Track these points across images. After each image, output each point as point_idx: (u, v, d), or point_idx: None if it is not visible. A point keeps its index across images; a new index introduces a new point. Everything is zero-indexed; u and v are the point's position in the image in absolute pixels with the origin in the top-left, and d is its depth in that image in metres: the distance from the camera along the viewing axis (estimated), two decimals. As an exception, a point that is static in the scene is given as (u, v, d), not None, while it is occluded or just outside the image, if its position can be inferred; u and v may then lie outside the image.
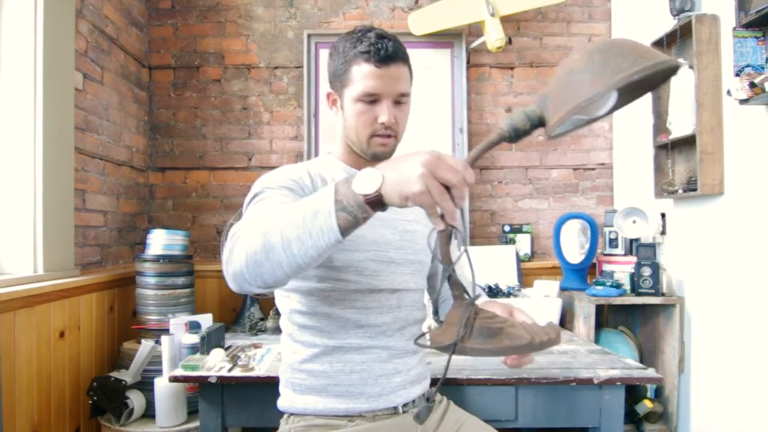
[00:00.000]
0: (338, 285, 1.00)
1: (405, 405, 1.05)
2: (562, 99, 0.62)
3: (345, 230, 0.70)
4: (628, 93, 0.69)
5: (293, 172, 1.02)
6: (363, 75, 1.00)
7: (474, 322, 0.68)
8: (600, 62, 0.59)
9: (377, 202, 0.69)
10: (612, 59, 0.59)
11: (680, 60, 0.57)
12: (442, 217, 0.66)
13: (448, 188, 0.65)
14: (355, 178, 0.70)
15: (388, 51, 0.99)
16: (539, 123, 0.69)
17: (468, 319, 0.68)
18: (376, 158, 1.03)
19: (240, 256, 0.76)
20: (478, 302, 0.78)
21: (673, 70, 0.63)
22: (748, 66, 1.56)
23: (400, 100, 1.02)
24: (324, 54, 2.42)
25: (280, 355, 1.20)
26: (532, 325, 0.74)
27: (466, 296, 0.72)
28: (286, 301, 1.07)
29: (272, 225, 0.74)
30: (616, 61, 0.58)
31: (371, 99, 1.00)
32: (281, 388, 1.09)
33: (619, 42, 0.62)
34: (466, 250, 0.71)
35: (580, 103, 0.60)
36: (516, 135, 0.70)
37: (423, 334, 0.70)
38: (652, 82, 0.67)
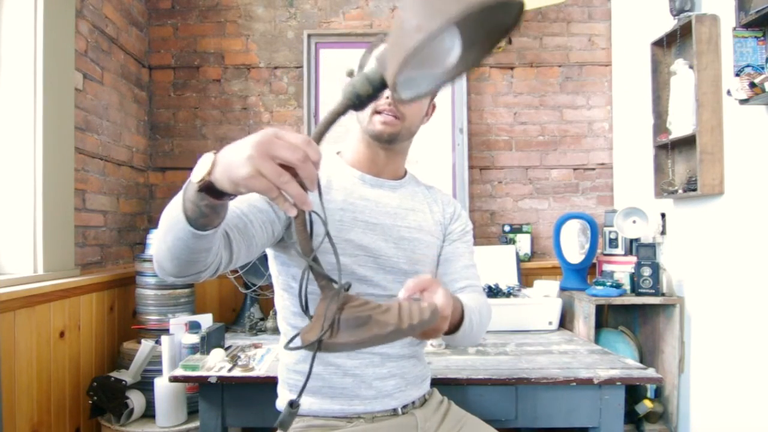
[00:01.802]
0: None
1: (405, 407, 1.05)
2: (393, 53, 0.57)
3: (194, 219, 0.67)
4: (479, 42, 0.63)
5: None
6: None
7: (341, 314, 0.63)
8: (423, 6, 0.54)
9: (212, 189, 0.63)
10: (434, 2, 0.53)
11: None
12: (295, 204, 0.59)
13: (293, 170, 0.57)
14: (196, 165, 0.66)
15: None
16: (381, 83, 0.63)
17: (335, 312, 0.62)
18: (375, 138, 1.04)
19: (152, 248, 0.81)
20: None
21: (506, 5, 0.56)
22: (748, 66, 1.56)
23: None
24: (324, 54, 2.42)
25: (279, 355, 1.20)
26: (409, 306, 0.67)
27: (334, 285, 0.66)
28: (281, 300, 1.07)
29: (161, 218, 0.74)
30: (437, 4, 0.53)
31: None
32: (279, 389, 1.09)
33: None
34: (328, 235, 0.66)
35: (409, 51, 0.54)
36: (360, 101, 0.65)
37: (296, 335, 0.64)
38: (499, 24, 0.60)
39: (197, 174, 0.63)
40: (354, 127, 1.10)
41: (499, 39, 0.63)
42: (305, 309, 0.67)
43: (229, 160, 0.59)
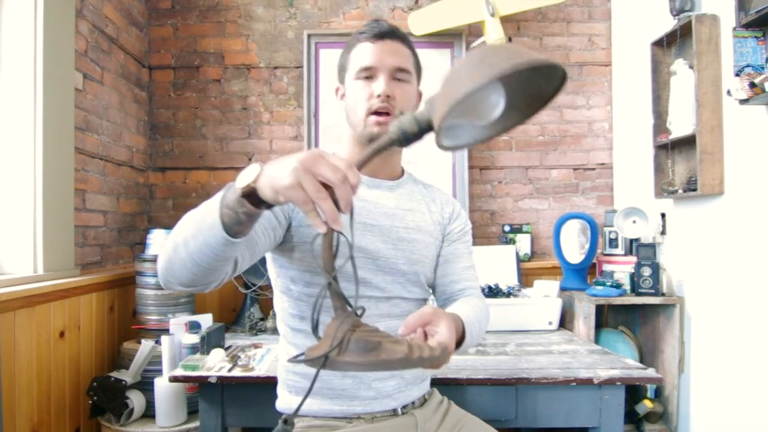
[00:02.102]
0: (325, 291, 0.99)
1: (404, 407, 1.05)
2: (444, 98, 0.63)
3: (230, 227, 0.69)
4: (523, 105, 0.69)
5: None
6: (360, 53, 1.02)
7: (351, 335, 0.64)
8: (478, 60, 0.60)
9: (254, 196, 0.66)
10: (489, 57, 0.60)
11: (555, 61, 0.60)
12: (326, 221, 0.62)
13: (331, 190, 0.61)
14: (241, 172, 0.69)
15: (383, 28, 1.02)
16: (428, 126, 0.67)
17: (345, 332, 0.64)
18: (373, 140, 1.01)
19: (161, 255, 0.79)
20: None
21: (551, 71, 0.62)
22: (748, 66, 1.56)
23: (398, 77, 1.02)
24: (324, 54, 2.42)
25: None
26: (419, 342, 0.69)
27: (349, 308, 0.68)
28: (279, 302, 1.07)
29: (181, 224, 0.76)
30: (492, 59, 0.59)
31: (367, 74, 1.01)
32: (278, 389, 1.09)
33: (499, 45, 0.64)
34: (352, 258, 0.68)
35: (457, 98, 0.59)
36: (405, 138, 0.69)
37: (300, 354, 0.66)
38: (541, 90, 0.67)
39: (243, 180, 0.67)
40: (346, 129, 1.08)
41: (540, 107, 0.69)
42: (315, 328, 0.69)
43: (274, 171, 0.63)
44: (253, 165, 0.67)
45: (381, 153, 0.70)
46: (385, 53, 1.01)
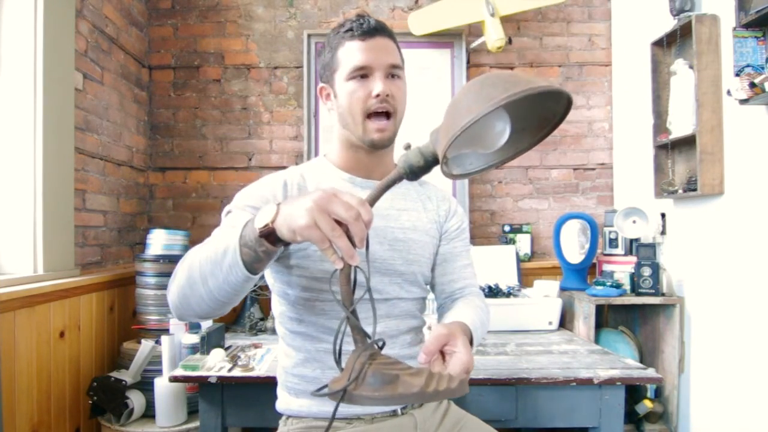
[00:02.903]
0: (321, 295, 0.98)
1: (404, 407, 1.05)
2: (445, 130, 0.64)
3: (250, 265, 0.72)
4: (534, 128, 0.70)
5: (266, 188, 1.00)
6: (350, 52, 0.98)
7: (368, 369, 0.65)
8: (476, 92, 0.62)
9: (272, 236, 0.69)
10: (486, 89, 0.61)
11: (555, 87, 0.62)
12: (342, 257, 0.65)
13: (346, 227, 0.64)
14: (259, 212, 0.71)
15: (371, 24, 0.98)
16: (433, 158, 0.69)
17: (363, 365, 0.65)
18: (374, 147, 1.01)
19: (173, 289, 0.81)
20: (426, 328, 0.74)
21: (555, 95, 0.63)
22: (748, 66, 1.56)
23: (393, 73, 0.99)
24: (324, 54, 2.42)
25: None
26: (439, 373, 0.69)
27: (368, 340, 0.69)
28: (277, 306, 1.07)
29: (196, 260, 0.77)
30: (489, 90, 0.61)
31: (362, 73, 0.98)
32: (278, 390, 1.09)
33: (497, 73, 0.65)
34: (369, 291, 0.69)
35: (455, 132, 0.61)
36: (413, 172, 0.71)
37: (324, 386, 0.68)
38: (549, 112, 0.67)
39: (261, 221, 0.69)
40: (336, 129, 1.06)
41: (551, 128, 0.70)
42: (338, 360, 0.70)
43: (290, 211, 0.66)
44: (269, 205, 0.70)
45: (391, 186, 0.72)
46: (378, 51, 0.98)
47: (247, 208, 0.94)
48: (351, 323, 0.68)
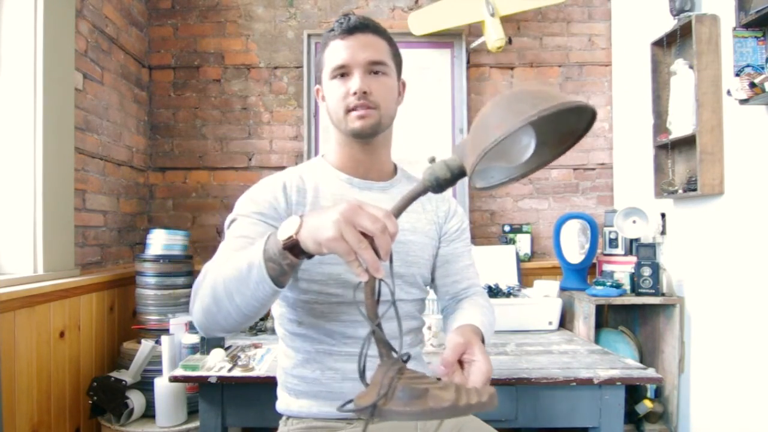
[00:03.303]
0: (320, 298, 0.98)
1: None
2: (474, 145, 0.65)
3: (277, 279, 0.72)
4: (556, 142, 0.71)
5: (267, 192, 0.99)
6: (332, 51, 1.00)
7: (397, 383, 0.63)
8: (505, 107, 0.63)
9: (296, 248, 0.69)
10: (515, 104, 0.62)
11: (584, 102, 0.62)
12: (367, 269, 0.64)
13: (371, 239, 0.63)
14: (281, 225, 0.72)
15: (350, 22, 0.98)
16: (460, 172, 0.70)
17: (392, 379, 0.63)
18: (358, 135, 1.00)
19: (198, 308, 0.82)
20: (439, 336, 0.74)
21: (580, 110, 0.64)
22: (748, 66, 1.56)
23: (374, 69, 0.99)
24: (324, 54, 2.42)
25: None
26: (467, 388, 0.69)
27: (394, 354, 0.68)
28: (277, 307, 1.06)
29: (220, 278, 0.78)
30: (518, 105, 0.61)
31: (341, 72, 0.98)
32: (278, 391, 1.09)
33: (525, 89, 0.66)
34: (394, 305, 0.69)
35: (486, 147, 0.62)
36: (439, 185, 0.71)
37: (349, 401, 0.66)
38: (571, 127, 0.68)
39: (284, 233, 0.70)
40: (332, 130, 1.07)
41: (572, 143, 0.71)
42: (362, 374, 0.69)
43: (315, 223, 0.66)
44: (292, 217, 0.71)
45: (416, 199, 0.73)
46: (356, 48, 0.97)
47: (253, 215, 0.94)
48: (377, 337, 0.67)
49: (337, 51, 0.98)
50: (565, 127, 0.69)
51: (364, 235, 0.63)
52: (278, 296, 0.76)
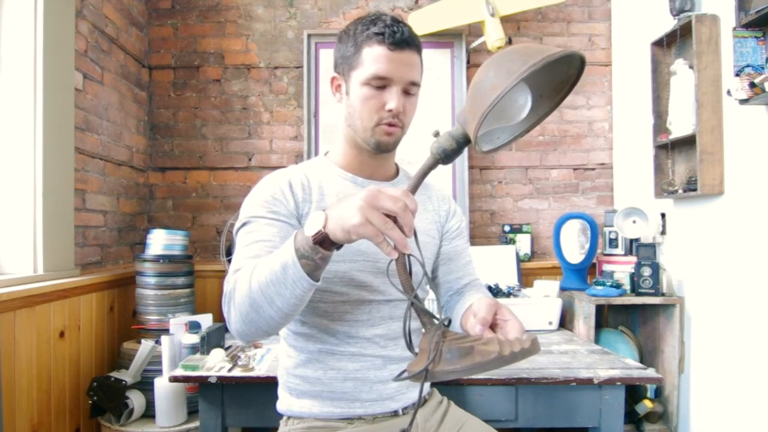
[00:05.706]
0: (325, 296, 0.99)
1: (405, 408, 1.05)
2: (473, 111, 0.67)
3: (312, 274, 0.75)
4: (552, 93, 0.74)
5: (275, 188, 0.99)
6: (374, 57, 0.95)
7: (443, 346, 0.68)
8: (496, 69, 0.65)
9: (325, 241, 0.72)
10: (505, 64, 0.64)
11: (569, 50, 0.64)
12: (395, 247, 0.69)
13: (394, 219, 0.68)
14: (306, 222, 0.75)
15: (403, 35, 0.95)
16: (464, 139, 0.72)
17: (437, 343, 0.68)
18: (379, 148, 1.00)
19: (237, 318, 0.83)
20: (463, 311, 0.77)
21: (568, 58, 0.66)
22: (748, 66, 1.56)
23: (409, 90, 0.98)
24: (324, 54, 2.42)
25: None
26: (504, 339, 0.72)
27: (435, 321, 0.72)
28: None
29: (255, 285, 0.80)
30: (508, 65, 0.64)
31: (381, 83, 0.96)
32: (279, 391, 1.09)
33: (512, 48, 0.68)
34: (426, 275, 0.73)
35: (485, 110, 0.64)
36: (446, 156, 0.74)
37: (403, 371, 0.70)
38: (563, 76, 0.71)
39: (311, 228, 0.73)
40: (340, 128, 1.06)
41: (567, 91, 0.74)
42: (409, 344, 0.73)
43: (340, 213, 0.70)
44: (317, 213, 0.74)
45: (428, 173, 0.75)
46: (402, 65, 0.95)
47: (266, 216, 0.94)
48: (416, 307, 0.71)
49: (381, 60, 0.95)
50: (558, 77, 0.71)
51: (387, 216, 0.67)
52: (313, 291, 0.79)
